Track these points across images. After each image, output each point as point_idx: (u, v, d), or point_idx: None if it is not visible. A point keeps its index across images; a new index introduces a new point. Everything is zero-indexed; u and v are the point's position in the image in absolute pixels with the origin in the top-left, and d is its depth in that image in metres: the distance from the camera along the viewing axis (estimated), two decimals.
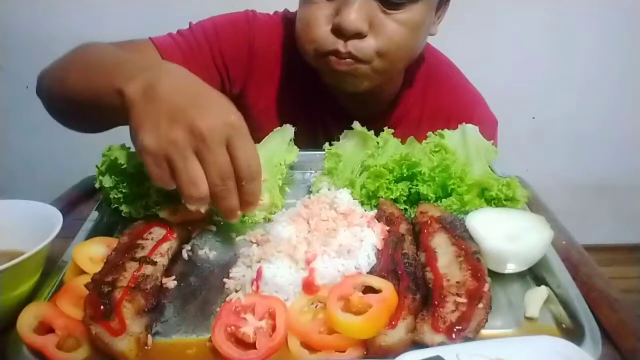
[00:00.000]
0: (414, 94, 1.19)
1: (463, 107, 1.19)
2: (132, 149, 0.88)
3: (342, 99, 1.17)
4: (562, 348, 0.54)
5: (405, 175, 0.85)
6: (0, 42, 2.11)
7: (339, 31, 0.92)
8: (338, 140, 0.99)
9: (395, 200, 0.85)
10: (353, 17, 0.89)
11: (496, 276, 0.69)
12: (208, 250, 0.78)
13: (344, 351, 0.58)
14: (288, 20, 1.16)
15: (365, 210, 0.82)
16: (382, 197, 0.85)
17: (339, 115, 1.15)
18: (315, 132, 1.01)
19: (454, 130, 0.97)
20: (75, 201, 0.97)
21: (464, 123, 0.96)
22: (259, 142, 0.95)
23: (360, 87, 1.00)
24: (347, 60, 0.94)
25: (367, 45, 0.93)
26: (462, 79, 1.26)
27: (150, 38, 1.06)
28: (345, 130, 1.02)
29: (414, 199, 0.86)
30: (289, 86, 1.17)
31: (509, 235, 0.71)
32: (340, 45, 0.93)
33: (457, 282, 0.63)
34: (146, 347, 0.59)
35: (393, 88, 1.17)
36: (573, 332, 0.61)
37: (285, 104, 1.16)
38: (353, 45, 0.92)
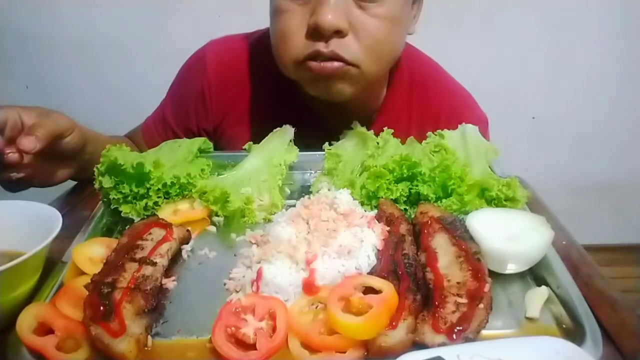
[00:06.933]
0: (400, 101, 1.15)
1: (450, 109, 1.15)
2: (131, 149, 0.88)
3: (323, 113, 1.11)
4: (563, 348, 0.53)
5: (405, 175, 0.85)
6: (0, 42, 2.11)
7: (317, 32, 0.86)
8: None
9: (395, 201, 0.85)
10: (330, 15, 0.84)
11: (497, 276, 0.69)
12: (208, 250, 0.78)
13: (344, 352, 0.58)
14: (253, 41, 1.15)
15: (365, 211, 0.81)
16: (382, 197, 0.85)
17: (319, 130, 1.08)
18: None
19: (454, 131, 0.97)
20: (75, 201, 0.97)
21: (453, 125, 0.96)
22: None
23: (346, 94, 0.95)
24: (334, 63, 0.89)
25: (351, 46, 0.88)
26: (448, 81, 1.21)
27: (144, 123, 1.24)
28: (345, 130, 1.02)
29: (414, 199, 0.86)
30: (261, 106, 1.14)
31: (509, 236, 0.70)
32: (320, 46, 0.87)
33: (458, 283, 0.63)
34: (146, 348, 0.59)
35: (376, 98, 1.13)
36: (574, 333, 0.61)
37: (259, 124, 1.11)
38: (336, 45, 0.87)
